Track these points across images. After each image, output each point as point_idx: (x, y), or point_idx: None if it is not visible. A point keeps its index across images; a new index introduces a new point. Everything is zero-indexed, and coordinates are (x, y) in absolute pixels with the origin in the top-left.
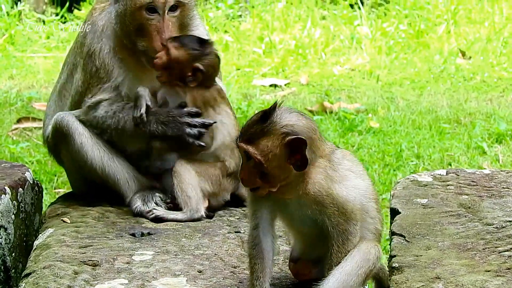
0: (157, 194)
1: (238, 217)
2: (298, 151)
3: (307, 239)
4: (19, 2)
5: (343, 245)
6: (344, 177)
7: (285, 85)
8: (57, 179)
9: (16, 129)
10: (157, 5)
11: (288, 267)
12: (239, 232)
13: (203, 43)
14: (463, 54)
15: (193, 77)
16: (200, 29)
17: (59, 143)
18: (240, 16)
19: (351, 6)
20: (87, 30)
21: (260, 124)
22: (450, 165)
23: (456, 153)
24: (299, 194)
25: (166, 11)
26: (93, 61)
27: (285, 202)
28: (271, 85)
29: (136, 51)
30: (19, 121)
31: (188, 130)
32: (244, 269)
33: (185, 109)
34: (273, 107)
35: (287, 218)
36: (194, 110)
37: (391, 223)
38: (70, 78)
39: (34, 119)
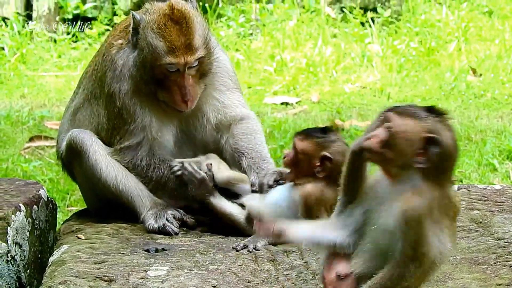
0: (169, 212)
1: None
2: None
3: (376, 255)
4: (30, 21)
5: (393, 276)
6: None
7: (296, 103)
8: (69, 197)
9: (28, 147)
10: (179, 66)
11: (322, 279)
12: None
13: (326, 131)
14: (474, 71)
15: (322, 167)
16: (220, 59)
17: (73, 159)
18: (251, 34)
19: (362, 24)
20: (106, 67)
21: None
22: (462, 181)
23: (467, 170)
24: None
25: (186, 68)
26: (114, 101)
27: (380, 211)
28: (282, 103)
29: (156, 97)
30: (31, 139)
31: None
32: (258, 283)
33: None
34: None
35: (371, 226)
36: None
37: None
38: (87, 105)
39: (46, 138)
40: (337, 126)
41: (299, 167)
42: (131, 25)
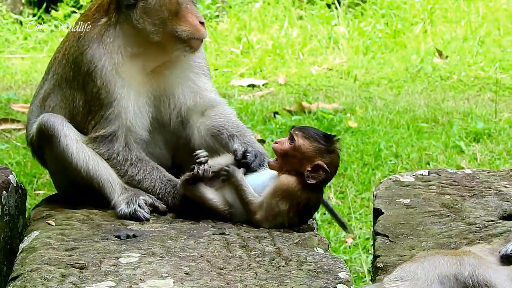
0: (141, 197)
1: None
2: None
3: None
4: None
5: None
6: None
7: (263, 85)
8: (37, 181)
9: None
10: None
11: None
12: (224, 233)
13: (329, 138)
14: (440, 53)
15: (314, 174)
16: None
17: (43, 144)
18: (218, 16)
19: (328, 6)
20: (84, 47)
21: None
22: (429, 164)
23: (434, 152)
24: None
25: None
26: (94, 79)
27: None
28: (249, 85)
29: (167, 43)
30: None
31: None
32: (231, 270)
33: None
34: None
35: None
36: None
37: (374, 223)
38: (58, 90)
39: (13, 121)
40: (336, 136)
41: (288, 161)
42: None
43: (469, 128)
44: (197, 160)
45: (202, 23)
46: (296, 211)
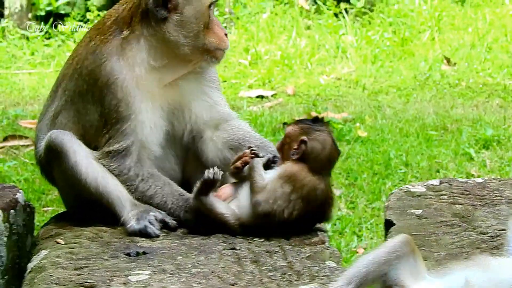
0: (151, 213)
1: None
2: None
3: None
4: (2, 19)
5: None
6: None
7: (272, 96)
8: (45, 198)
9: (2, 147)
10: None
11: None
12: (234, 248)
13: (316, 120)
14: (448, 60)
15: (297, 150)
16: None
17: (52, 161)
18: (225, 27)
19: (336, 15)
20: (101, 60)
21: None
22: (438, 172)
23: (444, 160)
24: None
25: None
26: (114, 92)
27: None
28: (258, 96)
29: (194, 54)
30: (5, 139)
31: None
32: (242, 286)
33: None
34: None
35: None
36: None
37: (386, 235)
38: (70, 105)
39: (20, 137)
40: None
41: (284, 150)
42: (151, 5)
43: (478, 135)
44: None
45: (226, 34)
46: (300, 196)
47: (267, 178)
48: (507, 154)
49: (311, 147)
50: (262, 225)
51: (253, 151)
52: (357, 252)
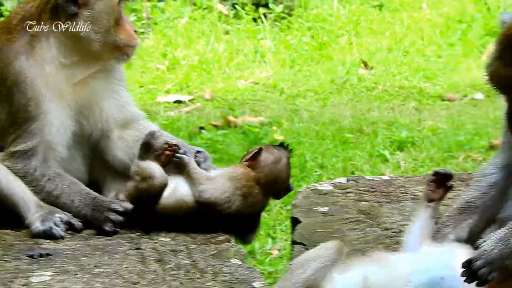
0: (56, 215)
1: (139, 233)
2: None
3: None
4: None
5: None
6: None
7: (189, 101)
8: None
9: None
10: None
11: None
12: (139, 248)
13: (283, 145)
14: (365, 64)
15: (251, 154)
16: None
17: None
18: (143, 33)
19: (255, 20)
20: (10, 59)
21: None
22: (353, 173)
23: (359, 161)
24: None
25: None
26: (23, 91)
27: None
28: (175, 102)
29: (104, 51)
30: None
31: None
32: (145, 285)
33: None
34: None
35: None
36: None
37: (292, 232)
38: None
39: None
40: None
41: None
42: (61, 1)
43: (393, 137)
44: None
45: (135, 31)
46: (241, 194)
47: (214, 173)
48: (421, 155)
49: (264, 156)
50: (201, 213)
51: (173, 146)
52: (271, 254)
